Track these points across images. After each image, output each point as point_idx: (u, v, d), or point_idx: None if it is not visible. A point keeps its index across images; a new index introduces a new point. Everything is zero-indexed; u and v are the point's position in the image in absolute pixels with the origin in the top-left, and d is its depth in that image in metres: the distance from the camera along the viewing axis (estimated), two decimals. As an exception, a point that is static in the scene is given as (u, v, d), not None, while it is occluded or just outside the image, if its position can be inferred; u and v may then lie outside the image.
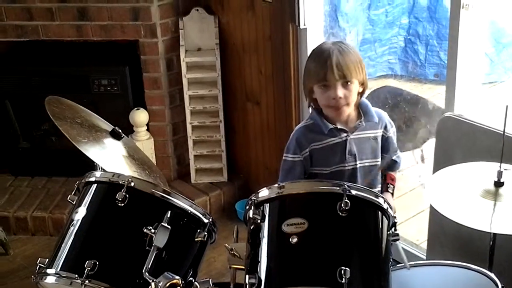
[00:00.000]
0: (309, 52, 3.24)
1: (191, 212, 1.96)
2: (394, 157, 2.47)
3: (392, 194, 2.47)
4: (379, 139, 2.41)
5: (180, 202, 1.95)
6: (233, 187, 3.88)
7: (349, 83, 2.26)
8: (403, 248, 2.11)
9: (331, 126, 2.32)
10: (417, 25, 5.58)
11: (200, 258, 2.02)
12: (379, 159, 2.41)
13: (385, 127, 2.42)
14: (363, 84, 2.32)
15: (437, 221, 2.79)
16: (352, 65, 2.25)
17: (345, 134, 2.34)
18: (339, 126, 2.33)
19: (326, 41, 2.37)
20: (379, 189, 2.46)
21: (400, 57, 5.72)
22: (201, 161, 3.87)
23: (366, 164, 2.38)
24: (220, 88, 3.71)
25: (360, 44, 5.62)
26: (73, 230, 1.92)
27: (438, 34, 5.45)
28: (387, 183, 2.47)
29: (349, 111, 2.32)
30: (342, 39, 5.48)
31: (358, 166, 2.36)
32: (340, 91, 2.25)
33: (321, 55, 2.29)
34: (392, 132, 2.45)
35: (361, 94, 2.35)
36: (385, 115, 2.44)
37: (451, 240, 2.75)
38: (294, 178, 2.36)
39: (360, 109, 2.36)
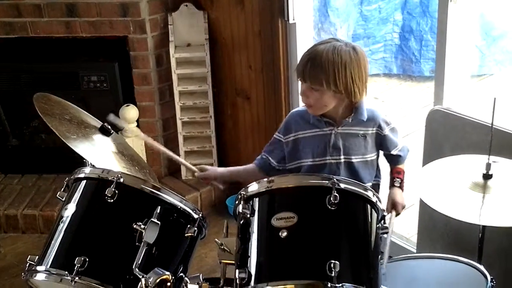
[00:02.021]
0: (298, 47, 3.30)
1: (181, 207, 1.96)
2: (395, 152, 2.43)
3: (400, 187, 2.43)
4: (371, 138, 2.36)
5: (170, 198, 1.94)
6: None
7: (314, 89, 2.21)
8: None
9: (317, 116, 2.32)
10: (410, 20, 5.59)
11: (190, 254, 2.02)
12: (370, 156, 2.39)
13: (379, 126, 2.36)
14: (350, 94, 2.22)
15: (426, 214, 2.81)
16: (322, 73, 2.18)
17: (331, 127, 2.33)
18: (325, 119, 2.32)
19: (334, 39, 2.27)
20: (371, 183, 2.46)
21: (395, 55, 5.72)
22: (191, 157, 3.86)
23: (353, 160, 2.35)
24: (210, 84, 3.71)
25: (352, 39, 5.63)
26: (62, 226, 1.92)
27: (432, 28, 5.45)
28: (393, 178, 2.45)
29: (322, 112, 2.29)
30: (333, 34, 5.49)
31: (342, 161, 2.34)
32: (306, 93, 2.23)
33: (308, 51, 2.26)
34: (389, 130, 2.39)
35: (350, 101, 2.27)
36: (379, 113, 2.38)
37: (440, 233, 2.76)
38: (270, 154, 2.41)
39: (353, 106, 2.31)
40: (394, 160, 2.48)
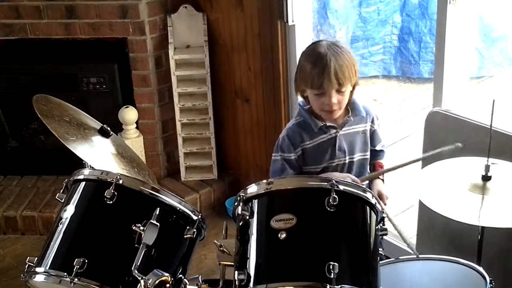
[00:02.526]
0: (298, 49, 3.30)
1: (180, 209, 1.95)
2: (379, 148, 2.52)
3: (383, 180, 2.49)
4: (368, 133, 2.44)
5: (169, 199, 1.94)
6: (223, 184, 3.88)
7: (343, 89, 2.28)
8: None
9: (321, 123, 2.35)
10: (409, 22, 5.60)
11: (189, 255, 2.01)
12: (368, 153, 2.44)
13: (372, 121, 2.45)
14: (354, 84, 2.34)
15: (426, 216, 2.81)
16: (347, 72, 2.26)
17: (334, 131, 2.36)
18: (328, 123, 2.35)
19: (320, 41, 2.35)
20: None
21: (394, 56, 5.72)
22: (190, 159, 3.87)
23: (356, 158, 2.42)
24: (209, 85, 3.71)
25: (351, 41, 5.64)
26: (61, 228, 1.91)
27: (431, 30, 5.47)
28: (376, 171, 2.50)
29: (341, 112, 2.34)
30: (332, 36, 5.49)
31: (347, 161, 2.39)
32: (335, 98, 2.27)
33: (317, 60, 2.27)
34: (377, 125, 2.49)
35: (351, 92, 2.36)
36: (372, 108, 2.47)
37: (440, 234, 2.76)
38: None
39: (348, 104, 2.37)
40: (377, 156, 2.54)
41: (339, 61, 2.25)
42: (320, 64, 2.25)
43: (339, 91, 2.27)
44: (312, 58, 2.29)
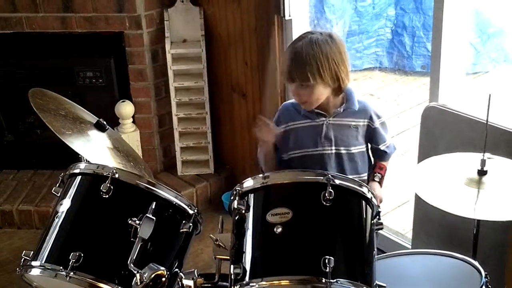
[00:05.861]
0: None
1: (176, 203, 1.96)
2: (383, 148, 2.48)
3: (380, 183, 2.48)
4: (362, 129, 2.42)
5: (165, 193, 1.94)
6: (219, 178, 3.88)
7: (303, 86, 2.27)
8: None
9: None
10: (403, 16, 5.61)
11: (185, 249, 2.01)
12: (361, 148, 2.43)
13: (371, 118, 2.42)
14: (338, 81, 2.30)
15: (422, 210, 2.81)
16: (306, 68, 2.24)
17: (323, 118, 2.36)
18: (317, 110, 2.35)
19: (309, 32, 2.34)
20: (365, 176, 2.48)
21: (387, 49, 5.74)
22: (187, 153, 3.87)
23: (343, 151, 2.40)
24: (206, 80, 3.71)
25: (347, 35, 5.64)
26: (57, 222, 1.91)
27: (424, 25, 5.49)
28: (374, 172, 2.50)
29: (316, 105, 2.34)
30: (328, 30, 5.48)
31: (333, 152, 2.39)
32: (297, 92, 2.30)
33: (288, 51, 2.31)
34: (379, 123, 2.45)
35: (338, 88, 2.33)
36: (371, 105, 2.44)
37: (436, 229, 2.77)
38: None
39: (345, 96, 2.38)
40: (380, 156, 2.51)
41: (301, 54, 2.24)
42: (287, 54, 2.31)
43: (302, 86, 2.27)
44: (288, 48, 2.35)
